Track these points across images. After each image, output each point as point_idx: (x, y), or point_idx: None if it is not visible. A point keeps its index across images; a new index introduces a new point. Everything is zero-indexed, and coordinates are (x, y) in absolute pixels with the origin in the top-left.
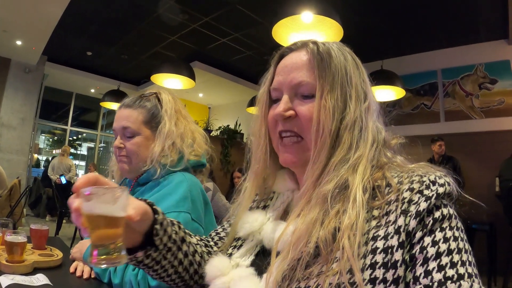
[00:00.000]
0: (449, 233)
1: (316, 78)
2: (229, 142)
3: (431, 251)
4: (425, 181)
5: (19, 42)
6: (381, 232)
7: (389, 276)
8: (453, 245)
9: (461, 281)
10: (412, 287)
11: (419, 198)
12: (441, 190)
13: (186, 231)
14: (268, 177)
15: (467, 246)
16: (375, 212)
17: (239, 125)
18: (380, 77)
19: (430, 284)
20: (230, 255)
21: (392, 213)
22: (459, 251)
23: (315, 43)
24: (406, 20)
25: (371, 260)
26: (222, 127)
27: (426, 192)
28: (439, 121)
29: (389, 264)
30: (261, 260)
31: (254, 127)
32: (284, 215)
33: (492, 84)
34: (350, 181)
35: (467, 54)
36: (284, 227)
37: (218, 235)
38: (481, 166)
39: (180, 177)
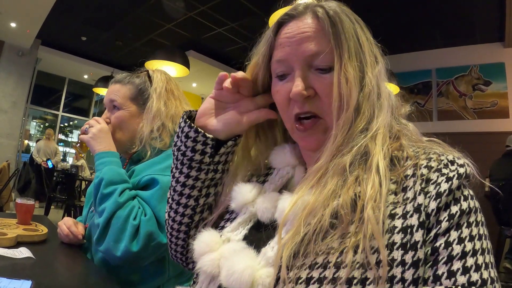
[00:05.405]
0: (475, 230)
1: (332, 47)
2: None
3: (457, 249)
4: (443, 160)
5: (13, 24)
6: (399, 211)
7: (408, 258)
8: (477, 244)
9: None
10: (431, 286)
11: (437, 177)
12: (461, 170)
13: None
14: (263, 153)
15: (489, 244)
16: (392, 186)
17: None
18: None
19: (453, 287)
20: (222, 228)
21: (410, 189)
22: (483, 252)
23: (321, 6)
24: (402, 17)
25: (388, 240)
26: None
27: (445, 171)
28: (431, 120)
29: (408, 245)
30: (255, 234)
31: None
32: (282, 190)
33: (486, 86)
34: (371, 148)
35: (462, 54)
36: (295, 199)
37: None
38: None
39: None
